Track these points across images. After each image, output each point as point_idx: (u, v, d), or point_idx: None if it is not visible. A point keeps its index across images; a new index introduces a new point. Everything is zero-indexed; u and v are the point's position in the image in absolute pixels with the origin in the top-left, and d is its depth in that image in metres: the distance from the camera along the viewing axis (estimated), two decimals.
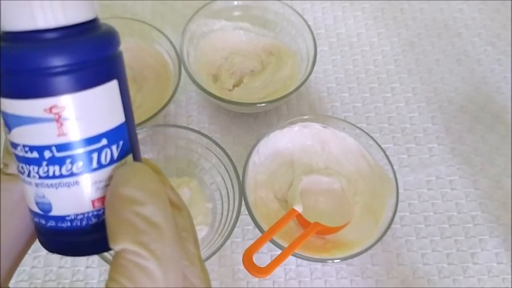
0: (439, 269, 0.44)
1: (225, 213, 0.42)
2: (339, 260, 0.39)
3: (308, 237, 0.40)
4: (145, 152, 0.45)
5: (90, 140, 0.17)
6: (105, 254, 0.37)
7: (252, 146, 0.44)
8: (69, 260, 0.43)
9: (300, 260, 0.44)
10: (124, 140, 0.18)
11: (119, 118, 0.18)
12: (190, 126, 0.47)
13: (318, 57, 0.50)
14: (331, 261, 0.40)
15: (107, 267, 0.42)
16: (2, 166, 0.20)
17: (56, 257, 0.43)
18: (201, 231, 0.43)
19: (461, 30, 0.60)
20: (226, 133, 0.51)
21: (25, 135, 0.16)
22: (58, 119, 0.16)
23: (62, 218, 0.18)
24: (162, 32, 0.50)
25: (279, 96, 0.47)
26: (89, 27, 0.17)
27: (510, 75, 0.57)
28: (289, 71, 0.52)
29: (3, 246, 0.19)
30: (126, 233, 0.16)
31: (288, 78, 0.51)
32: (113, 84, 0.17)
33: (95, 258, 0.43)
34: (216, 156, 0.43)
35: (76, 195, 0.17)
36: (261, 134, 0.45)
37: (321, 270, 0.44)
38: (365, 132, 0.45)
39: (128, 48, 0.51)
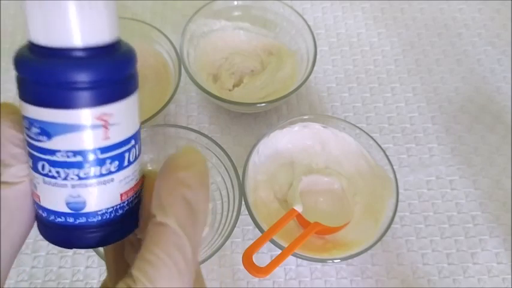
0: (439, 269, 0.44)
1: (225, 213, 0.42)
2: (339, 260, 0.39)
3: (308, 237, 0.40)
4: (145, 152, 0.45)
5: (125, 142, 0.19)
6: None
7: (252, 146, 0.44)
8: (69, 260, 0.43)
9: (300, 260, 0.44)
10: (140, 140, 0.21)
11: (139, 121, 0.21)
12: (190, 126, 0.47)
13: (318, 57, 0.50)
14: (331, 261, 0.40)
15: None
16: None
17: (56, 257, 0.43)
18: None
19: (461, 30, 0.60)
20: (226, 133, 0.51)
21: (70, 142, 0.18)
22: (105, 125, 0.18)
23: (94, 214, 0.19)
24: (162, 32, 0.50)
25: (279, 96, 0.47)
26: (119, 45, 0.19)
27: (510, 75, 0.57)
28: (289, 71, 0.52)
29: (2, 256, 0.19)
30: (173, 212, 0.18)
31: (288, 78, 0.51)
32: (136, 93, 0.20)
33: (95, 258, 0.43)
34: (216, 156, 0.43)
35: (110, 191, 0.19)
36: (261, 134, 0.45)
37: (321, 270, 0.44)
38: (365, 132, 0.45)
39: None
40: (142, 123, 0.44)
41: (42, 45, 0.17)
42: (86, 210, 0.19)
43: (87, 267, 0.43)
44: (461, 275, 0.44)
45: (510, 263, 0.45)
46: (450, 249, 0.45)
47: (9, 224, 0.19)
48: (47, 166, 0.18)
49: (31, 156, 0.19)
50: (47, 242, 0.45)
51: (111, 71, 0.18)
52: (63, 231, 0.20)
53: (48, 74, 0.17)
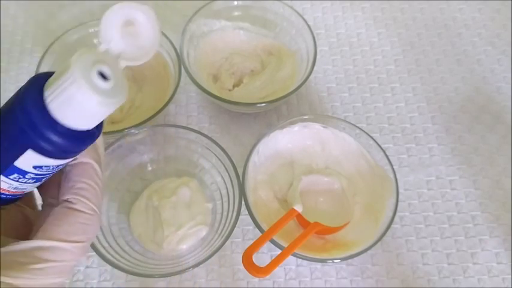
0: (439, 269, 0.44)
1: (225, 213, 0.42)
2: (339, 260, 0.39)
3: (308, 237, 0.40)
4: (145, 152, 0.45)
5: None
6: (106, 254, 0.37)
7: (252, 146, 0.44)
8: None
9: (300, 260, 0.44)
10: None
11: None
12: (190, 126, 0.47)
13: (318, 57, 0.50)
14: (331, 261, 0.40)
15: (107, 267, 0.42)
16: None
17: None
18: (201, 231, 0.43)
19: (461, 30, 0.60)
20: (226, 133, 0.51)
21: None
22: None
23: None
24: (162, 32, 0.50)
25: (279, 96, 0.47)
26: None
27: (510, 75, 0.57)
28: (289, 71, 0.52)
29: None
30: (89, 154, 0.26)
31: (288, 78, 0.51)
32: None
33: (95, 258, 0.43)
34: (216, 156, 0.43)
35: None
36: (261, 134, 0.45)
37: (321, 270, 0.44)
38: (365, 132, 0.45)
39: None
40: (143, 123, 0.44)
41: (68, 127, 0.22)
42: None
43: (87, 267, 0.43)
44: (461, 275, 0.44)
45: (510, 263, 0.45)
46: (450, 249, 0.45)
47: None
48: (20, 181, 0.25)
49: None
50: None
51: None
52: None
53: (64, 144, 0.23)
